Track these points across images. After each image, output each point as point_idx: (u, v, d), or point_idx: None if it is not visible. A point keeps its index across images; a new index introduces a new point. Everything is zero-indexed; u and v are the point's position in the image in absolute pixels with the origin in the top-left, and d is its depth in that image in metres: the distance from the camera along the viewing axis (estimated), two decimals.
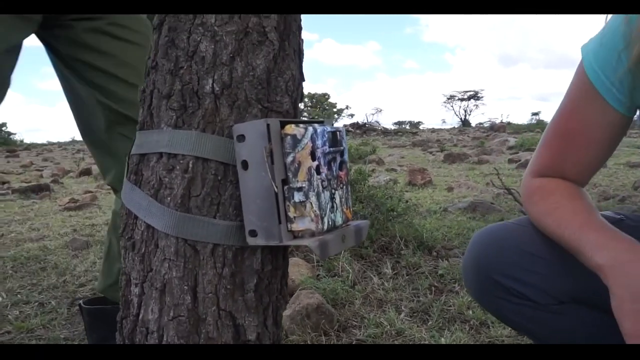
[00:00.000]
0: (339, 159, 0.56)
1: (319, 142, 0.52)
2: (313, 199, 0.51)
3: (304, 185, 0.51)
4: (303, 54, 0.70)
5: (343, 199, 0.57)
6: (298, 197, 0.51)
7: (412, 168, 5.37)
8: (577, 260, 0.64)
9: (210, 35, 0.60)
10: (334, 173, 0.55)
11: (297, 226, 0.52)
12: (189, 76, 0.59)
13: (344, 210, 0.57)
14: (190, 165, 0.56)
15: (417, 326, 1.50)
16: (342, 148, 0.56)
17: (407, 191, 3.39)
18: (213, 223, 0.55)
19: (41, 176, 6.96)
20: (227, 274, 0.56)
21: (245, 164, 0.53)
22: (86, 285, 1.98)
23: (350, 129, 19.29)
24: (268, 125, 0.51)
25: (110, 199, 4.43)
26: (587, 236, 0.62)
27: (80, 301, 1.18)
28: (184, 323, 0.56)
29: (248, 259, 0.58)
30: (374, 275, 1.93)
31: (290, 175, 0.52)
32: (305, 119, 0.59)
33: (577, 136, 0.71)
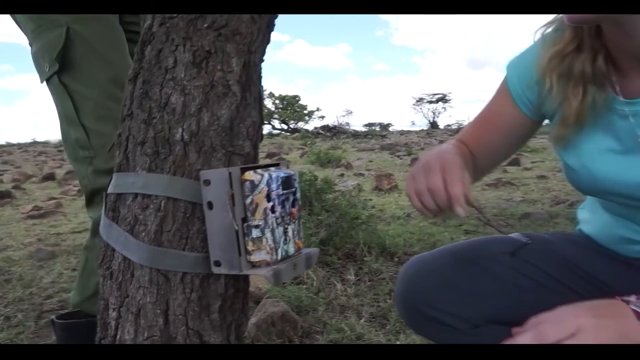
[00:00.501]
0: (291, 198, 0.66)
1: (273, 186, 0.62)
2: (268, 234, 0.61)
3: (260, 223, 0.61)
4: (263, 99, 0.79)
5: (295, 232, 0.67)
6: (255, 233, 0.61)
7: (379, 173, 5.53)
8: (490, 286, 0.76)
9: (180, 88, 0.69)
10: (287, 211, 0.65)
11: (254, 258, 0.61)
12: (161, 125, 0.67)
13: (296, 241, 0.67)
14: (163, 205, 0.65)
15: (376, 330, 1.61)
16: (294, 189, 0.66)
17: (370, 199, 3.51)
18: (182, 255, 0.64)
19: (1, 181, 6.74)
20: (194, 298, 0.65)
21: (210, 205, 0.62)
22: (53, 297, 2.00)
23: (320, 131, 19.44)
24: (230, 173, 0.60)
25: (75, 206, 4.38)
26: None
27: (53, 316, 1.23)
28: (157, 342, 0.65)
29: (213, 284, 0.67)
30: (338, 282, 2.04)
31: (249, 214, 0.61)
32: (263, 163, 0.69)
33: (491, 123, 0.85)
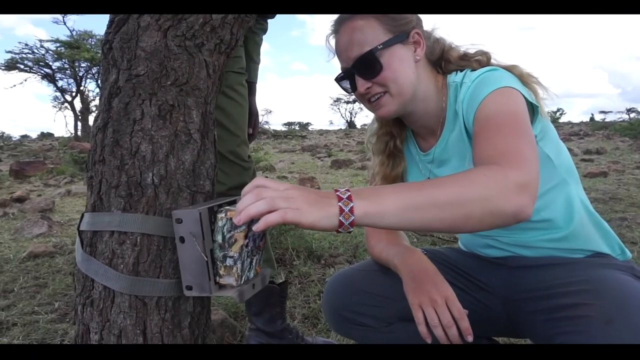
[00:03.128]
0: (262, 235, 0.80)
1: (253, 228, 0.74)
2: (239, 265, 0.74)
3: (235, 255, 0.73)
4: (216, 142, 0.92)
5: (257, 261, 0.81)
6: (229, 262, 0.73)
7: (302, 176, 5.74)
8: (396, 289, 0.95)
9: (149, 138, 0.79)
10: (257, 245, 0.79)
11: (224, 280, 0.74)
12: (133, 171, 0.78)
13: (256, 268, 0.81)
14: (138, 240, 0.76)
15: (309, 330, 1.79)
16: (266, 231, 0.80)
17: None
18: (157, 282, 0.76)
19: None
20: (168, 318, 0.77)
21: (182, 239, 0.74)
22: None
23: None
24: (200, 213, 0.73)
25: None
26: (393, 251, 0.99)
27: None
28: None
29: (183, 304, 0.79)
30: None
31: (227, 245, 0.73)
32: (221, 199, 0.82)
33: None
